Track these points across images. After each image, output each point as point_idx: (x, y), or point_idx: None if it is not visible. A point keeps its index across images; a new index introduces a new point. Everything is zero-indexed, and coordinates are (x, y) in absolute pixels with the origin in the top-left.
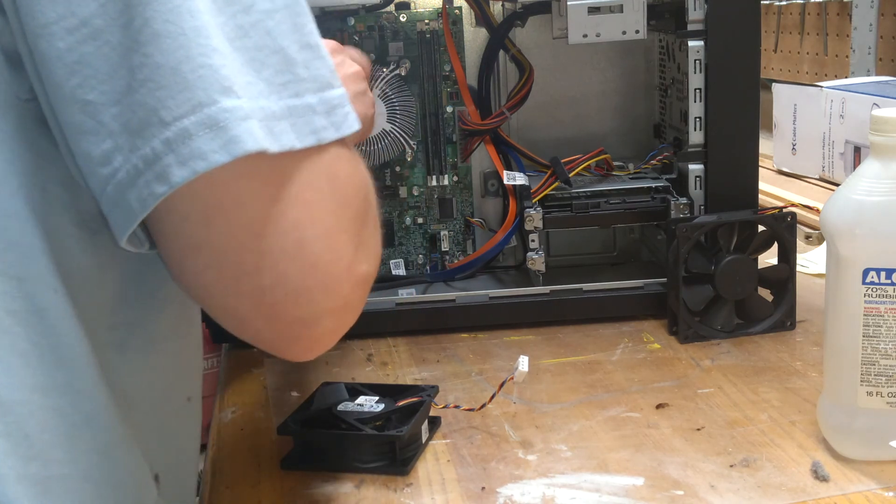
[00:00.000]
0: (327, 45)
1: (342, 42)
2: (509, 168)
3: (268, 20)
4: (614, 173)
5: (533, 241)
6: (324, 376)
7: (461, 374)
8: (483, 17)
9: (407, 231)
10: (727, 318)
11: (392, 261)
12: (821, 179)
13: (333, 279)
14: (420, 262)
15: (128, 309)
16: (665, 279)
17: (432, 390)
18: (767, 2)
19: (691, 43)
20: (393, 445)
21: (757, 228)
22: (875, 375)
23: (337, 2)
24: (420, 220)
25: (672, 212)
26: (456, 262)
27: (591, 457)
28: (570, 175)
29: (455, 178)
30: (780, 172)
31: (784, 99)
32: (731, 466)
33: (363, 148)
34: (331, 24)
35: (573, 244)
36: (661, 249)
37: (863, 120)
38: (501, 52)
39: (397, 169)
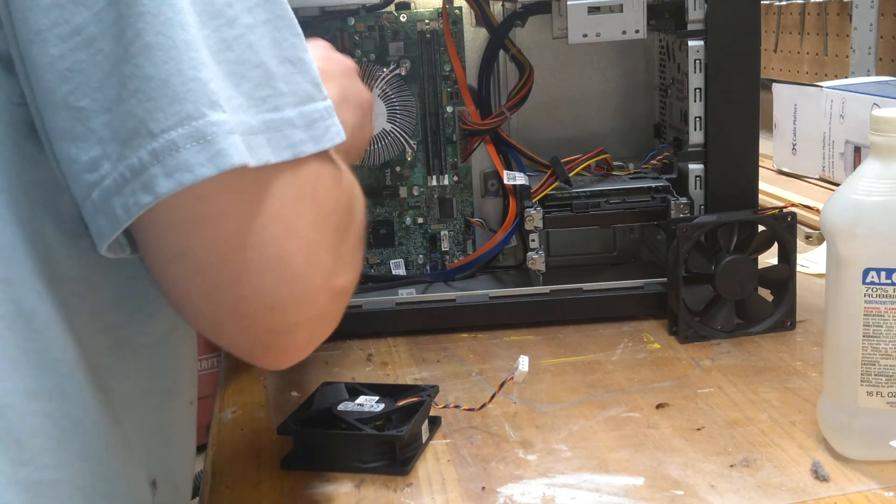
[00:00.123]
0: (350, 67)
1: (342, 42)
2: (509, 168)
3: (249, 34)
4: (614, 173)
5: (533, 240)
6: (324, 376)
7: (461, 374)
8: (483, 17)
9: (407, 231)
10: (727, 318)
11: (392, 261)
12: (821, 179)
13: (310, 292)
14: (420, 262)
15: (120, 312)
16: (665, 279)
17: (432, 390)
18: (767, 2)
19: (691, 43)
20: (393, 445)
21: (757, 228)
22: (875, 375)
23: (337, 2)
24: (420, 220)
25: (672, 212)
26: (456, 262)
27: (591, 457)
28: (570, 175)
29: (455, 178)
30: (780, 172)
31: (784, 99)
32: (731, 466)
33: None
34: (331, 24)
35: (573, 244)
36: (661, 249)
37: (863, 120)
38: (501, 52)
39: (397, 169)
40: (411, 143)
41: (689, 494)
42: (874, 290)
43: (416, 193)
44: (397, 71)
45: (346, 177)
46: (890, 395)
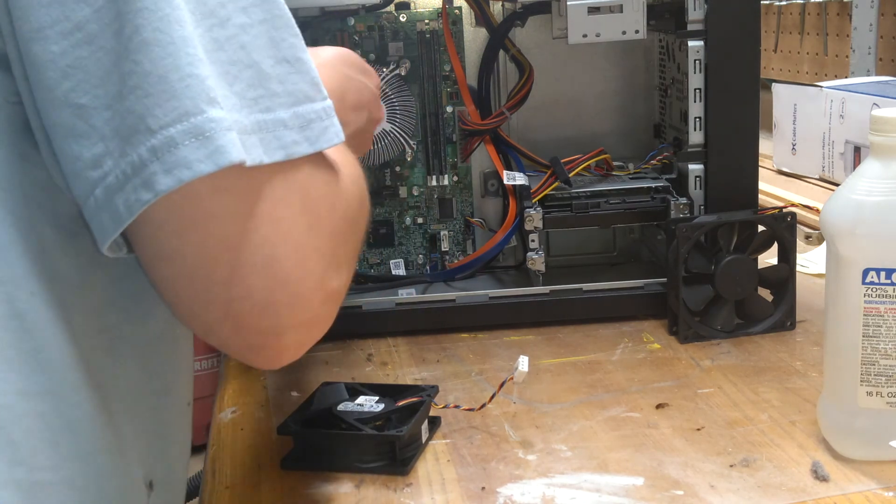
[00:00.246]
0: (358, 64)
1: (342, 42)
2: (509, 168)
3: (243, 35)
4: (614, 173)
5: (533, 241)
6: (324, 376)
7: (461, 374)
8: (483, 17)
9: (407, 231)
10: (727, 318)
11: (392, 261)
12: (821, 179)
13: (301, 295)
14: (420, 262)
15: (116, 312)
16: (665, 279)
17: (432, 390)
18: (767, 2)
19: (691, 43)
20: (393, 445)
21: (757, 228)
22: (875, 375)
23: (337, 2)
24: (420, 220)
25: (672, 212)
26: (456, 262)
27: (591, 457)
28: (570, 175)
29: (455, 178)
30: (780, 172)
31: (784, 99)
32: (731, 466)
33: None
34: (331, 24)
35: (573, 244)
36: (661, 249)
37: (863, 120)
38: (501, 52)
39: (397, 169)
40: (411, 143)
41: (689, 494)
42: (874, 290)
43: (416, 193)
44: (397, 71)
45: (348, 178)
46: (890, 395)
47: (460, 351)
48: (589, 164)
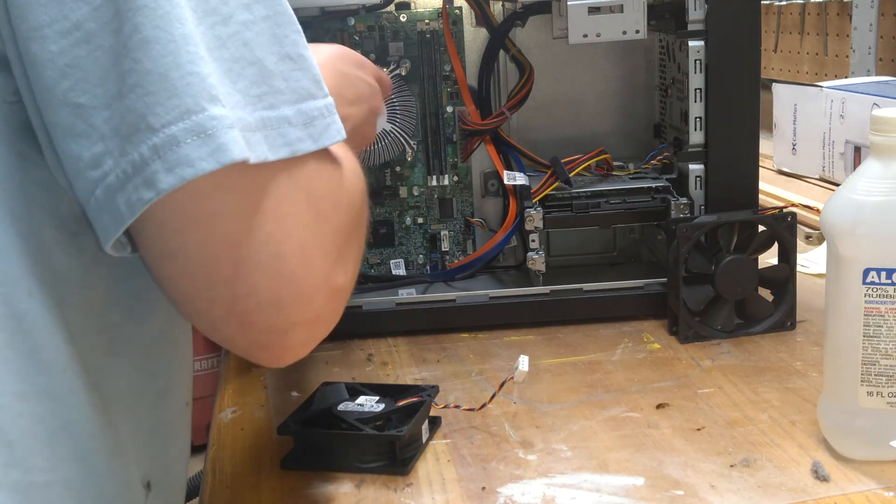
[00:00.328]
0: (354, 59)
1: (342, 42)
2: (509, 168)
3: (245, 32)
4: (614, 173)
5: (533, 241)
6: (324, 376)
7: (461, 374)
8: (483, 17)
9: (407, 231)
10: (727, 318)
11: (392, 261)
12: (821, 179)
13: (307, 293)
14: (420, 262)
15: (116, 311)
16: (665, 279)
17: (432, 390)
18: (767, 2)
19: (691, 43)
20: (393, 445)
21: (757, 228)
22: (875, 375)
23: (337, 2)
24: (420, 220)
25: (672, 212)
26: (456, 262)
27: (591, 457)
28: (570, 175)
29: (455, 178)
30: (780, 172)
31: (784, 99)
32: (732, 466)
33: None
34: (331, 24)
35: (573, 244)
36: (661, 249)
37: (863, 120)
38: (501, 52)
39: (397, 169)
40: (411, 143)
41: (689, 494)
42: (874, 290)
43: (416, 193)
44: (397, 71)
45: (350, 175)
46: (890, 395)
47: (460, 351)
48: (589, 164)
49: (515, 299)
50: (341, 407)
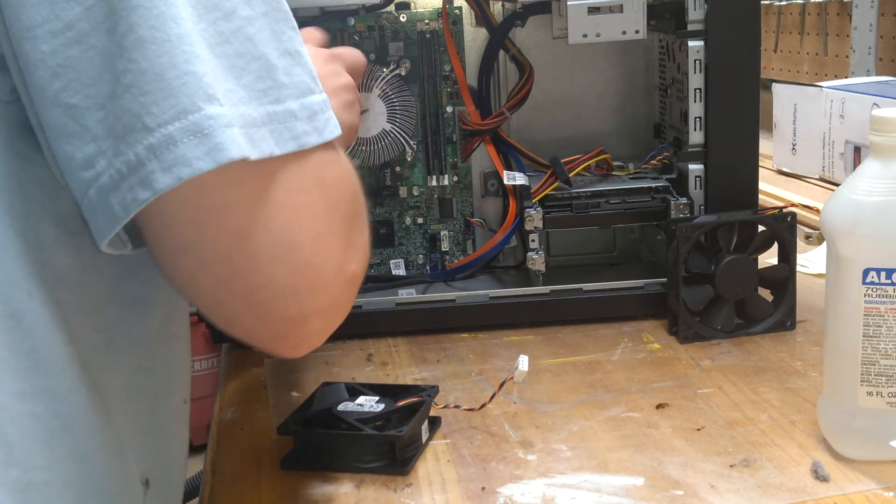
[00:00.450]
0: (320, 53)
1: (342, 42)
2: (509, 168)
3: (248, 27)
4: (614, 173)
5: (533, 241)
6: (324, 376)
7: (461, 374)
8: (483, 17)
9: (407, 231)
10: (727, 318)
11: (392, 261)
12: (821, 179)
13: (323, 281)
14: (420, 262)
15: (114, 310)
16: (665, 279)
17: (432, 390)
18: (767, 2)
19: (691, 43)
20: (393, 445)
21: (757, 228)
22: (875, 375)
23: (337, 2)
24: (420, 220)
25: (672, 212)
26: (456, 262)
27: (591, 457)
28: (570, 175)
29: (455, 178)
30: (780, 172)
31: (784, 99)
32: (731, 466)
33: (362, 148)
34: (331, 24)
35: (573, 244)
36: (661, 249)
37: (863, 120)
38: (501, 52)
39: (397, 169)
40: (411, 143)
41: (689, 494)
42: (874, 290)
43: (416, 193)
44: (397, 71)
45: (350, 167)
46: (890, 395)
47: (460, 351)
48: (589, 164)
49: (515, 299)
50: (341, 407)
